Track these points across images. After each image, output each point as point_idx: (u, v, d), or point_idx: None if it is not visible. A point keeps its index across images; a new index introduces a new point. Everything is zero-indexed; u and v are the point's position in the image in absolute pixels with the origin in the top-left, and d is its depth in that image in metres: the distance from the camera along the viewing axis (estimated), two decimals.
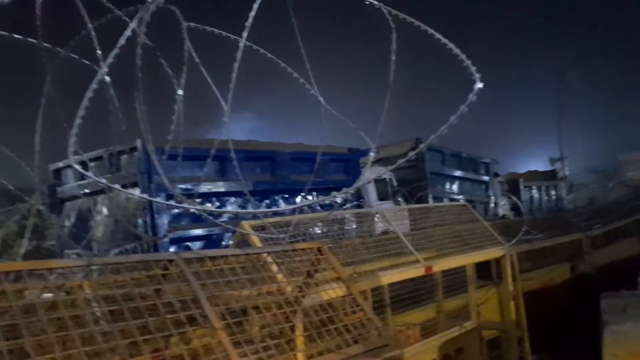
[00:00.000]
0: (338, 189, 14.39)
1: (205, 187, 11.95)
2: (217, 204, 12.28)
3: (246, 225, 4.05)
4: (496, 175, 22.36)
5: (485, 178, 21.15)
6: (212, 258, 2.58)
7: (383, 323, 6.45)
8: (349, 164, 14.91)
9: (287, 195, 13.48)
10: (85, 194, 11.72)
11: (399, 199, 16.61)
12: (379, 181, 16.09)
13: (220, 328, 2.20)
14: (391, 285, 6.04)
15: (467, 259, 5.37)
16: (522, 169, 29.42)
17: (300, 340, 2.65)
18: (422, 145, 2.46)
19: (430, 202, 16.49)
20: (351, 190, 2.94)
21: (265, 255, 2.85)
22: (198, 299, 2.30)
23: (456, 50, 2.04)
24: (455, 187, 19.54)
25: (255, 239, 3.81)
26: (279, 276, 2.82)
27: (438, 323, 5.60)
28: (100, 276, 2.42)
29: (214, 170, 12.21)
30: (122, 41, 2.07)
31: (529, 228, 10.23)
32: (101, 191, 10.92)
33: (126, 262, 2.36)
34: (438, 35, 2.11)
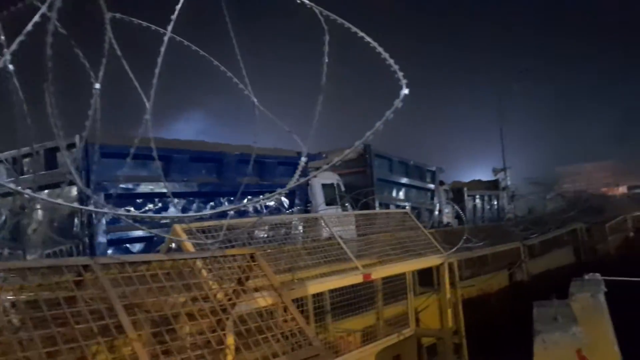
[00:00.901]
0: (285, 193, 14.33)
1: (147, 188, 11.56)
2: (160, 205, 11.93)
3: (178, 229, 3.86)
4: (441, 183, 22.83)
5: (431, 186, 21.56)
6: (133, 264, 2.42)
7: (323, 329, 6.41)
8: (296, 168, 14.75)
9: (232, 198, 13.21)
10: (16, 192, 11.05)
11: (347, 204, 16.67)
12: (326, 186, 16.11)
13: (135, 339, 2.06)
14: (333, 291, 6.00)
15: (406, 267, 5.38)
16: (467, 178, 30.28)
17: (228, 351, 2.52)
18: (347, 151, 2.41)
19: (377, 209, 16.64)
20: (273, 196, 2.81)
21: (192, 261, 2.71)
22: (113, 307, 2.14)
23: (384, 55, 1.99)
24: (401, 194, 19.81)
25: (188, 244, 3.64)
26: (207, 283, 2.68)
27: (377, 330, 5.58)
28: (5, 282, 2.21)
29: (158, 170, 11.85)
30: (29, 27, 1.90)
31: (469, 236, 10.46)
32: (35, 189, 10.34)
33: (34, 266, 2.17)
34: (368, 39, 2.06)
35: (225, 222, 3.50)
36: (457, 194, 23.60)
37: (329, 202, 15.83)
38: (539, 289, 9.20)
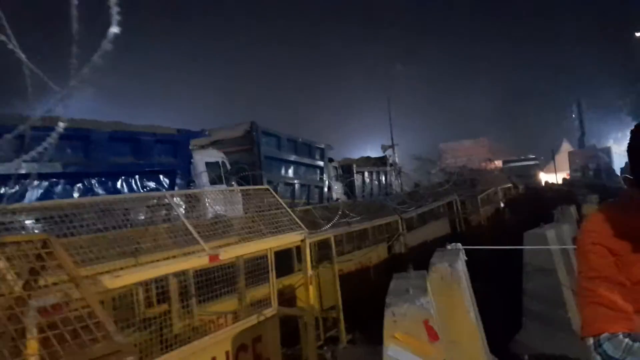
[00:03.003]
0: (165, 172, 13.61)
1: None
2: (17, 187, 10.77)
3: None
4: (331, 160, 23.07)
5: (320, 163, 21.69)
6: None
7: (185, 313, 6.08)
8: (177, 146, 14.08)
9: (104, 179, 12.27)
10: None
11: (233, 183, 16.24)
12: (211, 164, 15.58)
13: None
14: (201, 273, 5.68)
15: (261, 246, 5.17)
16: (360, 155, 31.03)
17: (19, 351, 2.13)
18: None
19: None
20: None
21: None
22: None
23: None
24: (290, 171, 19.71)
25: None
26: None
27: (240, 313, 5.36)
28: None
29: (12, 149, 10.68)
30: None
31: (347, 211, 10.56)
32: None
33: None
34: None
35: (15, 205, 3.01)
36: (346, 170, 24.01)
37: (214, 181, 15.33)
38: (416, 259, 9.54)
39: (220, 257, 4.35)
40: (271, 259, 5.42)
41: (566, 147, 50.12)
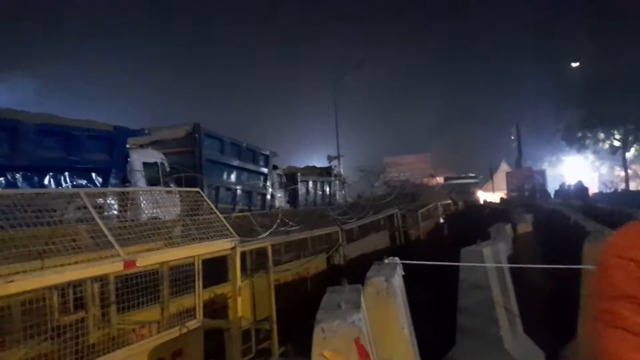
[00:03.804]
0: (98, 170, 12.89)
1: None
2: None
3: None
4: (275, 167, 22.78)
5: (264, 170, 21.34)
6: None
7: (103, 321, 5.63)
8: (113, 143, 13.38)
9: (30, 174, 11.47)
10: None
11: (171, 185, 15.62)
12: (148, 165, 14.94)
13: None
14: (123, 278, 5.26)
15: (188, 252, 4.82)
16: (304, 163, 30.88)
17: None
18: None
19: (205, 191, 15.87)
20: None
21: None
22: None
23: None
24: (233, 176, 19.23)
25: None
26: None
27: (161, 324, 4.97)
28: None
29: None
30: None
31: (287, 220, 10.31)
32: None
33: None
34: None
35: None
36: (290, 178, 23.78)
37: (152, 182, 14.69)
38: (354, 271, 9.37)
39: (138, 264, 3.97)
40: (198, 267, 5.07)
41: (504, 167, 51.95)
